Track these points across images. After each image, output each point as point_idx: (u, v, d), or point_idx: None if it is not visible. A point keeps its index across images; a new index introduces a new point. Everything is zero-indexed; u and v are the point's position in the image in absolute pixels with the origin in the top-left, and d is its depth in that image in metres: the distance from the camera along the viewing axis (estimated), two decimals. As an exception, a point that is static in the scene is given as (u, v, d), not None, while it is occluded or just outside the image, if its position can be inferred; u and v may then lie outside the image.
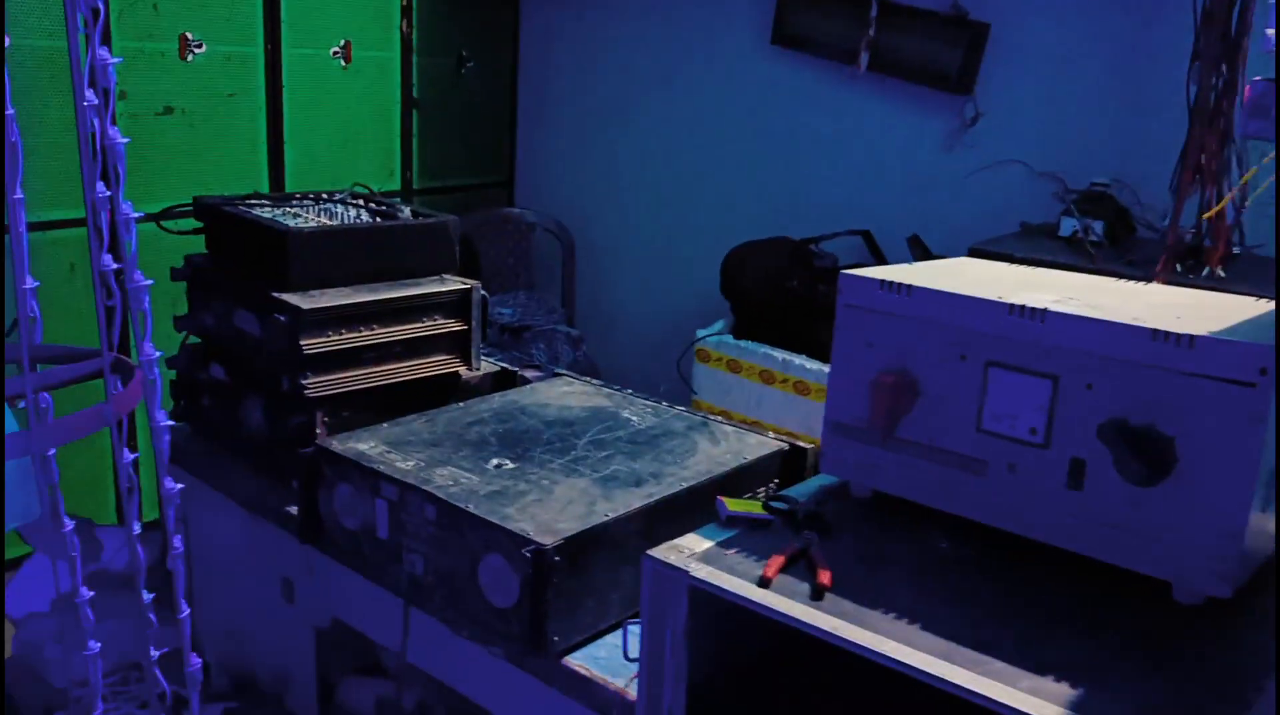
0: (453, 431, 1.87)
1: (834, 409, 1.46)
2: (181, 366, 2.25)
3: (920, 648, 1.11)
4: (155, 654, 1.55)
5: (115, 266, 1.41)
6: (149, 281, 1.35)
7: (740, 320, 3.64)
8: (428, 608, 1.67)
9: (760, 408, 3.42)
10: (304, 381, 1.92)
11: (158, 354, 1.37)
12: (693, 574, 1.24)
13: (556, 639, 1.51)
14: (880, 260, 3.58)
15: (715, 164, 4.04)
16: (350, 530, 1.77)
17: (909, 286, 1.38)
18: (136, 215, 1.34)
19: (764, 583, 1.23)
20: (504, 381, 2.21)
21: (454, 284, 2.10)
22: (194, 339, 2.25)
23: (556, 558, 1.47)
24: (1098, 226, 2.79)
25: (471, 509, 1.56)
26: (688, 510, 1.68)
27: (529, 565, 1.47)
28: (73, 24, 1.23)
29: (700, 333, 3.58)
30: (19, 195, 1.45)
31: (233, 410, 2.12)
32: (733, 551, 1.31)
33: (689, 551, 1.30)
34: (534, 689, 1.56)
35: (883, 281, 1.40)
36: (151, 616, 1.52)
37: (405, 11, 4.09)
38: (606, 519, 1.55)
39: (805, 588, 1.23)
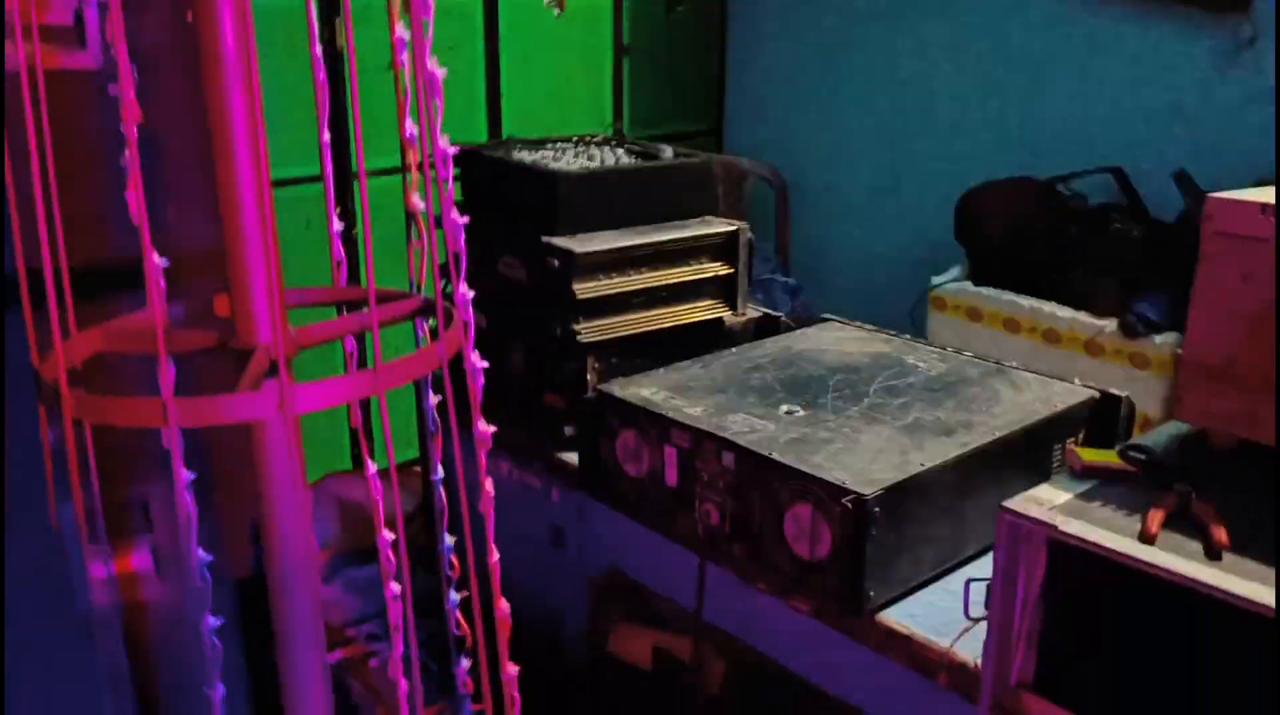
0: (733, 378, 1.79)
1: (1197, 349, 1.30)
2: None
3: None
4: (455, 599, 1.54)
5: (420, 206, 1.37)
6: (464, 218, 1.32)
7: (978, 266, 3.45)
8: (722, 560, 1.61)
9: (1004, 358, 3.23)
10: (576, 327, 1.87)
11: (472, 294, 1.33)
12: (1061, 528, 1.13)
13: (873, 595, 1.42)
14: (1135, 200, 3.32)
15: (945, 99, 3.82)
16: (633, 477, 1.73)
17: (1299, 209, 1.21)
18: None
19: (1147, 539, 1.10)
20: (766, 327, 2.12)
21: (719, 226, 2.02)
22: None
23: (876, 509, 1.37)
24: None
25: (776, 456, 1.48)
26: (1003, 461, 1.56)
27: (847, 516, 1.38)
28: None
29: (935, 279, 3.41)
30: (326, 138, 1.44)
31: (496, 358, 2.10)
32: (1097, 504, 1.18)
33: (1049, 504, 1.18)
34: (845, 647, 1.48)
35: (1265, 205, 1.24)
36: (450, 562, 1.50)
37: (618, -45, 4.02)
38: (923, 468, 1.45)
39: (1195, 546, 1.10)
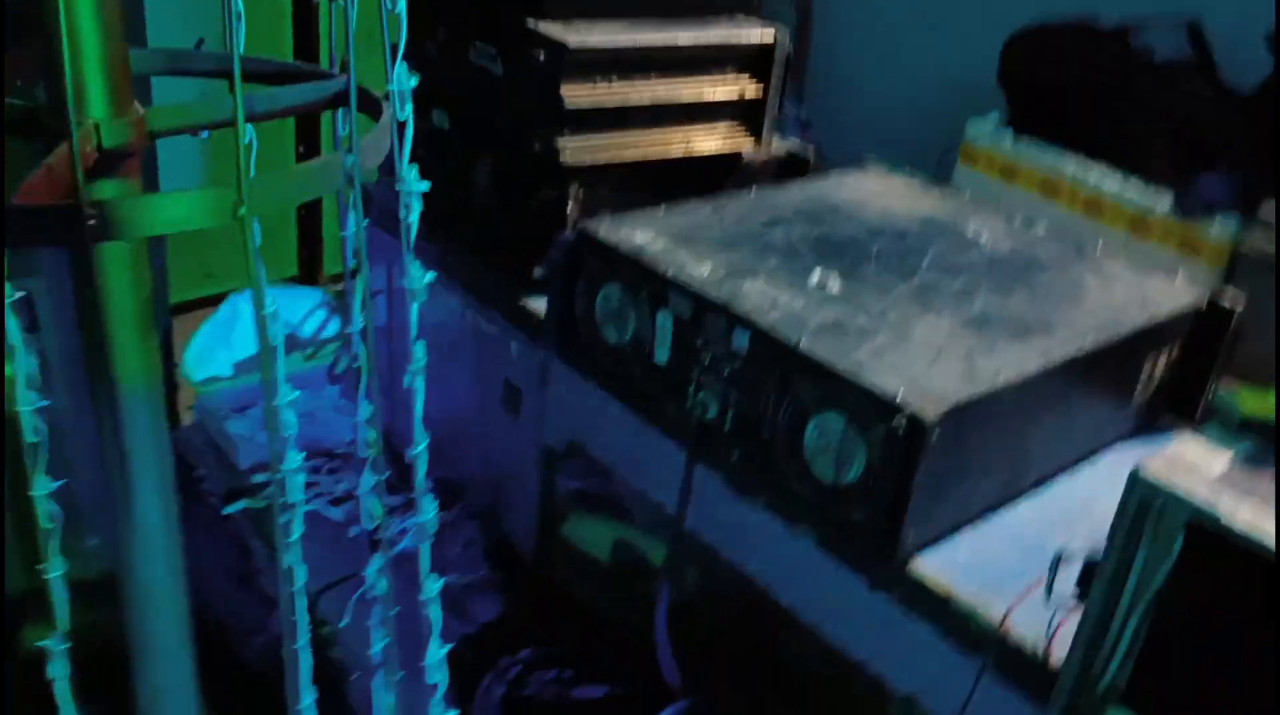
0: (749, 230, 1.41)
1: None
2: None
3: None
4: (374, 479, 1.19)
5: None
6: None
7: (1019, 117, 3.02)
8: (717, 462, 1.28)
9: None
10: (560, 143, 1.47)
11: (413, 82, 0.93)
12: (1226, 521, 0.79)
13: (910, 538, 1.10)
14: (1207, 60, 2.89)
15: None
16: (612, 346, 1.37)
17: None
18: None
19: (1352, 545, 0.77)
20: (790, 167, 1.73)
21: (755, 30, 1.60)
22: (413, 77, 1.81)
23: (936, 433, 1.03)
24: None
25: (804, 347, 1.13)
26: (1087, 377, 1.22)
27: (894, 440, 1.04)
28: None
29: (971, 128, 2.99)
30: None
31: (459, 170, 1.71)
32: (1271, 478, 0.85)
33: (1203, 471, 0.84)
34: (860, 594, 1.16)
35: None
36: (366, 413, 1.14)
37: None
38: (999, 384, 1.10)
39: None
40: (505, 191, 1.61)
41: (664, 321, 1.27)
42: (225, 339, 2.08)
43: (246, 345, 2.19)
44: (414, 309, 1.01)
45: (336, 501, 1.81)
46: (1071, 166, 2.78)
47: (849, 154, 3.61)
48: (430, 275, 1.01)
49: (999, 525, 1.19)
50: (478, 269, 1.69)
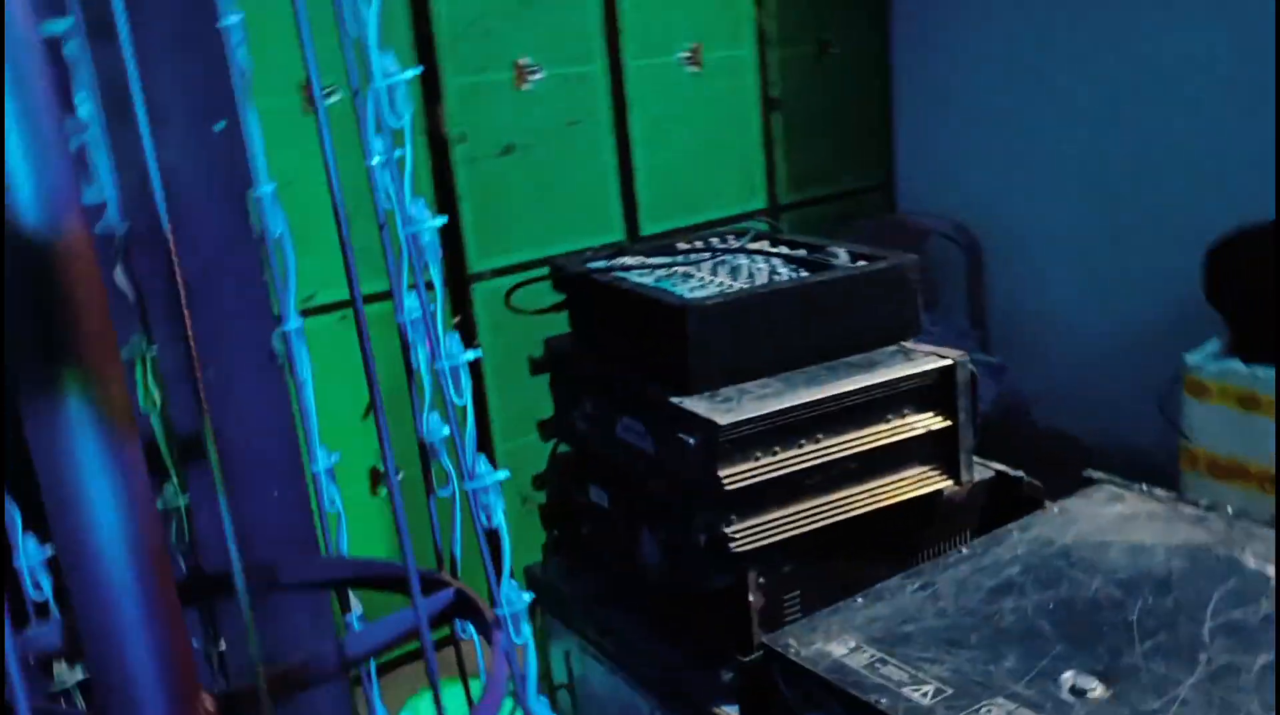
0: (972, 610, 1.16)
1: None
2: (552, 486, 1.70)
3: None
4: None
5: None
6: (503, 474, 0.74)
7: (1240, 335, 2.68)
8: None
9: (1297, 459, 2.46)
10: (728, 530, 1.28)
11: (527, 598, 0.76)
12: None
13: None
14: None
15: (1180, 130, 3.08)
16: (828, 782, 1.11)
17: None
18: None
19: None
20: (999, 497, 1.47)
21: (926, 361, 1.40)
22: (564, 447, 1.70)
23: None
24: None
25: (1082, 817, 0.85)
26: None
27: None
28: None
29: (1189, 358, 2.66)
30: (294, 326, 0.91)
31: (624, 546, 1.54)
32: None
33: None
34: None
35: None
36: None
37: (759, -1, 3.48)
38: None
39: None
40: (679, 583, 1.42)
41: (887, 766, 1.02)
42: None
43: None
44: None
45: None
46: (1326, 384, 2.40)
47: (1053, 398, 3.31)
48: None
49: None
50: (661, 664, 1.49)
